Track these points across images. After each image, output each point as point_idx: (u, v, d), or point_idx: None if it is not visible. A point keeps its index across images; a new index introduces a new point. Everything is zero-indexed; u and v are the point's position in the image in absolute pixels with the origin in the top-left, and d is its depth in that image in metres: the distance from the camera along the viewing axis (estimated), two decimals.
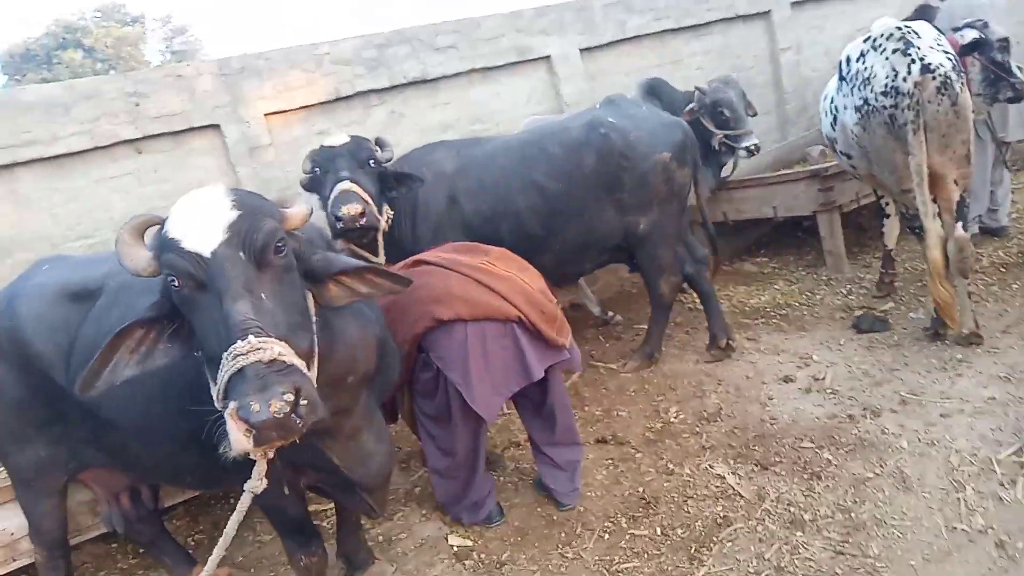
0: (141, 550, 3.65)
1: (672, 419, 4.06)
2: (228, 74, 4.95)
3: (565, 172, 4.29)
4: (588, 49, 6.39)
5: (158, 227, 1.96)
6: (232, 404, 1.64)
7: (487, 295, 2.96)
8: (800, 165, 6.51)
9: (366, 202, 3.81)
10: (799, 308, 5.25)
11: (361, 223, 3.75)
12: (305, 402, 1.68)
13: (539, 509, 3.49)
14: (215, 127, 4.90)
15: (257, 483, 1.96)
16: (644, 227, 4.36)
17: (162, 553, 3.28)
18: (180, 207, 1.90)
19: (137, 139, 4.67)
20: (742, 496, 3.20)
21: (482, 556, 3.23)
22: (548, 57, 6.18)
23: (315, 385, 1.84)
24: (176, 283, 1.84)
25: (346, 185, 3.81)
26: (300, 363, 1.77)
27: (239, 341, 1.68)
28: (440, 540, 3.39)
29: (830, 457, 3.32)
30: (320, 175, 4.04)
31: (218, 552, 1.99)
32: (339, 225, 3.75)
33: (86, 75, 24.30)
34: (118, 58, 28.03)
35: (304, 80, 5.21)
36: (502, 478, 3.83)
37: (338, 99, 5.35)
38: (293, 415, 1.65)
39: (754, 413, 3.93)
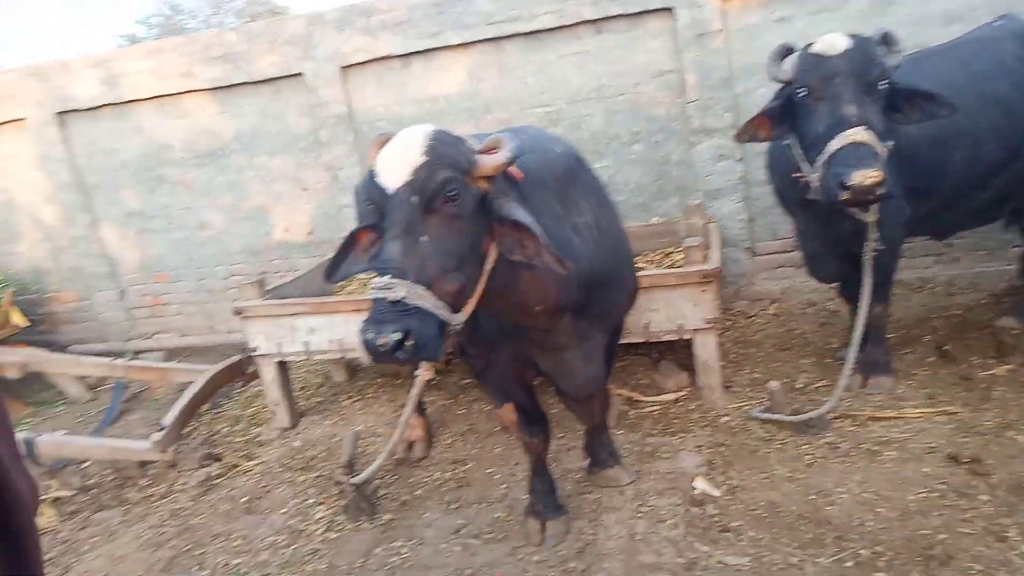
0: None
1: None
2: None
3: None
4: None
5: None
6: (359, 324, 1.95)
7: None
8: None
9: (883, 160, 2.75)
10: None
11: (877, 193, 2.74)
12: (411, 343, 1.88)
13: (812, 497, 3.07)
14: (667, 10, 4.91)
15: (425, 373, 2.41)
16: None
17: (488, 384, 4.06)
18: (392, 141, 2.14)
19: (597, 19, 5.03)
20: None
21: (715, 514, 3.08)
22: None
23: (455, 323, 2.01)
24: (367, 206, 2.19)
25: (859, 135, 2.77)
26: (434, 304, 1.93)
27: (379, 277, 1.95)
28: (686, 476, 3.32)
29: None
30: (808, 100, 2.99)
31: (403, 419, 2.54)
32: (842, 195, 2.78)
33: None
34: None
35: None
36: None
37: None
38: (398, 352, 1.88)
39: None
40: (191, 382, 4.94)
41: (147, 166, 6.19)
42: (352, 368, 5.35)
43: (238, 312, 4.46)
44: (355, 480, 3.50)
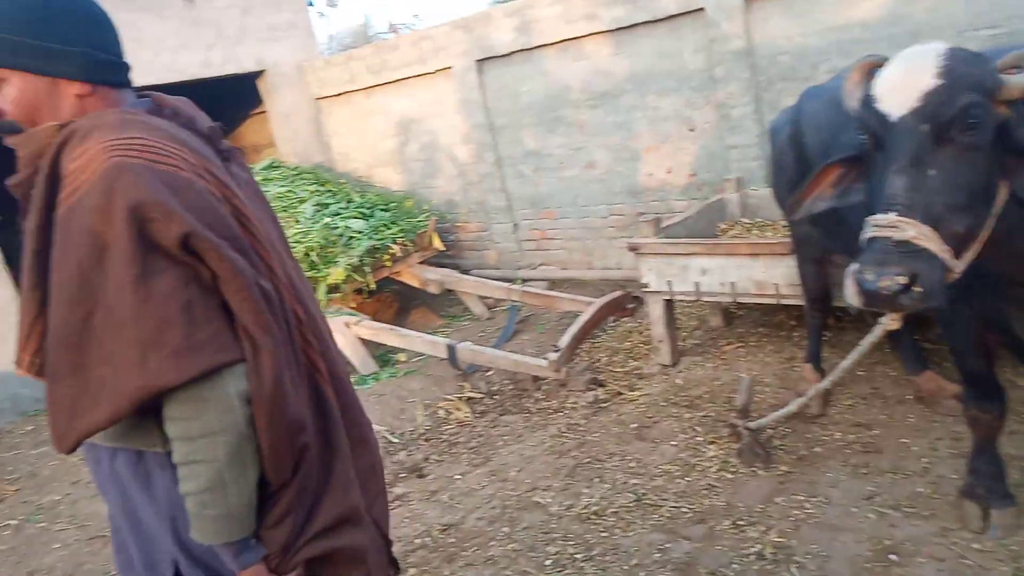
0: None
1: None
2: None
3: None
4: None
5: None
6: (854, 265, 1.82)
7: None
8: None
9: None
10: None
11: None
12: (918, 289, 1.71)
13: None
14: None
15: (891, 322, 2.18)
16: None
17: (901, 348, 3.59)
18: (895, 61, 1.90)
19: None
20: None
21: None
22: None
23: (956, 271, 1.80)
24: (862, 135, 1.98)
25: None
26: (939, 248, 1.74)
27: (882, 213, 1.78)
28: None
29: None
30: None
31: (843, 366, 2.43)
32: None
33: None
34: None
35: None
36: None
37: None
38: (901, 296, 1.71)
39: None
40: (574, 311, 5.30)
41: (548, 107, 6.67)
42: (728, 314, 5.24)
43: (633, 248, 4.61)
44: (752, 425, 3.43)
